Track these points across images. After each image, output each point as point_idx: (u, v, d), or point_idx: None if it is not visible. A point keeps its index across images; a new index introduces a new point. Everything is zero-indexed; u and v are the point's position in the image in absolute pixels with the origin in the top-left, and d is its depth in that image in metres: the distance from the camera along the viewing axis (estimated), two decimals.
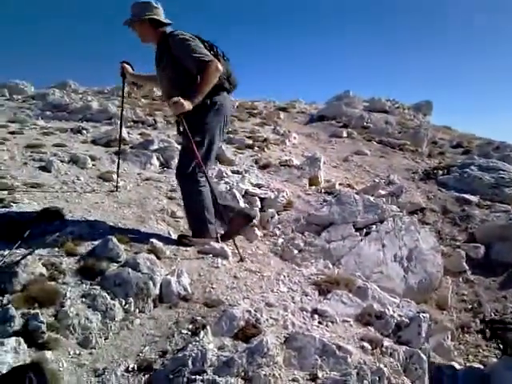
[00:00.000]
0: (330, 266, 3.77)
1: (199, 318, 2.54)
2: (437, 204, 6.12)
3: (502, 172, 6.68)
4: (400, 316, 2.88)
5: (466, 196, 6.19)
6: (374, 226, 4.65)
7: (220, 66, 3.32)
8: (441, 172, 7.15)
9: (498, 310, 4.20)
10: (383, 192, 5.86)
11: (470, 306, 4.37)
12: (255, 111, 10.97)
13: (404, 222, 4.76)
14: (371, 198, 4.95)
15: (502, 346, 3.32)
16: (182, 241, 3.58)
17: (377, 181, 6.64)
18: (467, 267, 4.86)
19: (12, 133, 6.12)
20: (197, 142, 3.37)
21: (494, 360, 3.50)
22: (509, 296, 4.36)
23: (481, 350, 3.71)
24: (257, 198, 4.90)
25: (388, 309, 2.96)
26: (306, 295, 2.94)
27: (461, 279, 4.75)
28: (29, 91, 10.61)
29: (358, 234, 4.56)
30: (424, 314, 2.83)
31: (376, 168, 7.42)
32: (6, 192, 3.84)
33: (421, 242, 4.67)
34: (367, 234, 4.58)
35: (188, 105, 3.19)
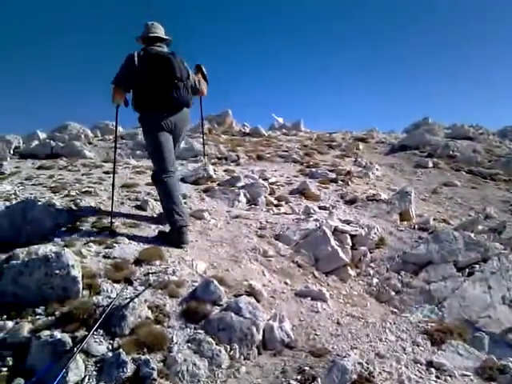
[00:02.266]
0: (437, 311, 3.52)
1: (307, 368, 2.44)
2: None
3: None
4: None
5: None
6: (478, 266, 4.31)
7: (112, 91, 4.16)
8: None
9: None
10: (481, 227, 5.48)
11: None
12: (334, 143, 10.88)
13: (510, 261, 4.38)
14: (472, 235, 4.62)
15: None
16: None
17: (472, 214, 6.24)
18: None
19: (107, 172, 6.49)
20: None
21: None
22: None
23: None
24: (347, 235, 4.75)
25: (511, 361, 2.68)
26: (418, 345, 2.74)
27: None
28: (119, 131, 11.28)
29: (459, 274, 4.25)
30: None
31: (469, 200, 6.99)
32: (107, 232, 4.01)
33: None
34: (470, 274, 4.25)
35: None
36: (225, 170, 6.91)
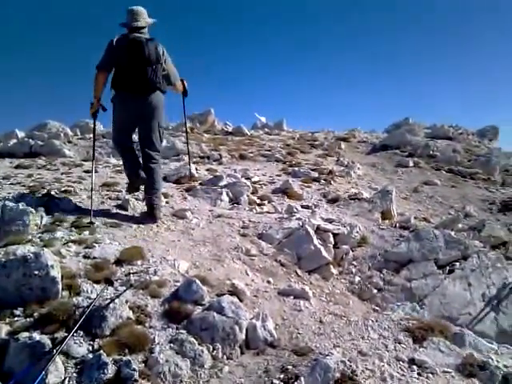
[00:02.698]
0: (418, 308, 3.55)
1: (290, 367, 2.44)
2: None
3: None
4: (506, 367, 2.62)
5: None
6: (458, 264, 4.37)
7: (95, 77, 4.48)
8: None
9: None
10: (461, 225, 5.55)
11: None
12: (316, 143, 10.92)
13: (490, 259, 4.44)
14: (452, 233, 4.68)
15: None
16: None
17: (452, 213, 6.33)
18: None
19: (87, 171, 6.39)
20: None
21: None
22: None
23: None
24: (330, 233, 4.76)
25: (491, 358, 2.71)
26: (400, 343, 2.75)
27: None
28: (98, 130, 11.13)
29: (440, 271, 4.30)
30: None
31: (449, 199, 7.08)
32: (87, 232, 3.95)
33: (510, 279, 4.33)
34: (450, 271, 4.30)
35: None
36: (207, 170, 6.87)
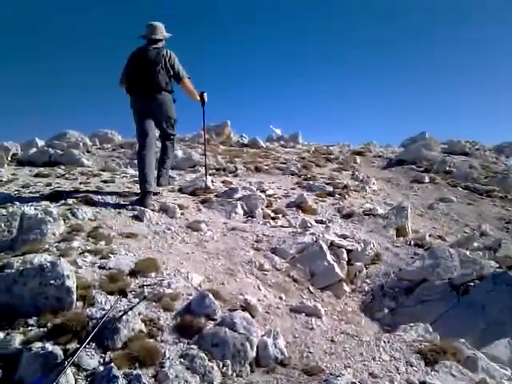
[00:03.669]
0: (431, 330, 3.50)
1: None
2: None
3: None
4: None
5: None
6: (472, 284, 4.32)
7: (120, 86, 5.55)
8: None
9: None
10: (476, 244, 5.49)
11: None
12: (331, 156, 10.90)
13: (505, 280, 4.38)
14: (467, 253, 4.63)
15: None
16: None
17: (467, 231, 6.26)
18: None
19: (104, 181, 6.47)
20: None
21: None
22: None
23: None
24: (343, 249, 4.75)
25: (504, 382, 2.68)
26: (411, 365, 2.73)
27: None
28: (117, 140, 11.29)
29: (454, 292, 4.25)
30: None
31: (464, 217, 7.00)
32: (103, 242, 4.00)
33: None
34: (465, 292, 4.25)
35: None
36: (222, 182, 6.91)
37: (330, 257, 4.45)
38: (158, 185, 5.61)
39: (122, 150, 9.79)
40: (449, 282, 4.33)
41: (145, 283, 3.31)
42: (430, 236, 5.61)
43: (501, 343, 3.94)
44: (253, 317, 3.05)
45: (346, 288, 4.32)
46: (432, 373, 2.68)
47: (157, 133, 5.88)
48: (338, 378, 2.42)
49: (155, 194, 5.46)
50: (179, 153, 8.46)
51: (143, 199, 5.11)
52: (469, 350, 3.19)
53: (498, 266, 4.70)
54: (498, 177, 9.63)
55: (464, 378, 2.70)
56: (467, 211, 7.44)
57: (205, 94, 5.94)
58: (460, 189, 8.83)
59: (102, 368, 2.38)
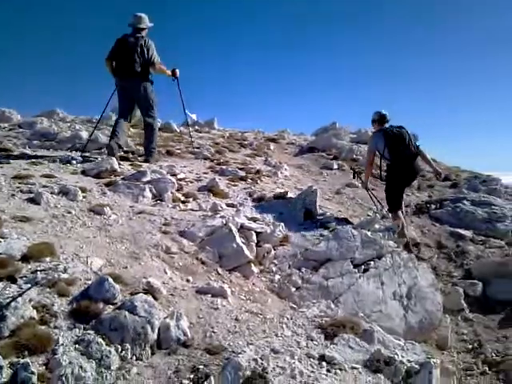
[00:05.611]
0: (333, 306, 3.64)
1: (201, 366, 2.40)
2: (431, 239, 6.09)
3: (493, 207, 6.70)
4: (409, 361, 2.75)
5: (460, 231, 6.17)
6: (373, 263, 4.56)
7: (105, 62, 6.69)
8: (433, 206, 7.14)
9: (500, 351, 4.08)
10: (377, 226, 5.79)
11: (470, 346, 4.25)
12: (245, 142, 10.96)
13: (402, 259, 4.69)
14: (369, 233, 4.87)
15: None
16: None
17: (370, 214, 6.59)
18: (465, 305, 4.78)
19: None
20: None
21: None
22: (509, 335, 4.26)
23: None
24: (253, 232, 4.78)
25: (397, 354, 2.84)
26: (312, 339, 2.80)
27: (459, 318, 4.66)
28: (15, 119, 10.43)
29: (356, 270, 4.46)
30: (434, 360, 2.72)
31: (368, 201, 7.34)
32: None
33: (419, 278, 4.58)
34: (366, 270, 4.47)
35: None
36: (131, 164, 6.62)
37: (239, 239, 4.44)
38: (147, 160, 6.85)
39: (21, 129, 9.05)
40: (351, 261, 4.53)
41: (38, 268, 3.06)
42: (335, 219, 5.82)
43: (397, 317, 4.23)
44: (156, 299, 2.96)
45: (255, 269, 4.35)
46: (331, 346, 2.77)
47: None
48: (240, 356, 2.41)
49: (120, 147, 6.71)
50: (84, 134, 8.01)
51: (108, 149, 6.45)
52: (366, 323, 3.36)
53: (396, 245, 5.01)
54: None
55: (361, 349, 2.82)
56: (353, 195, 7.77)
57: (176, 70, 7.10)
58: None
59: None
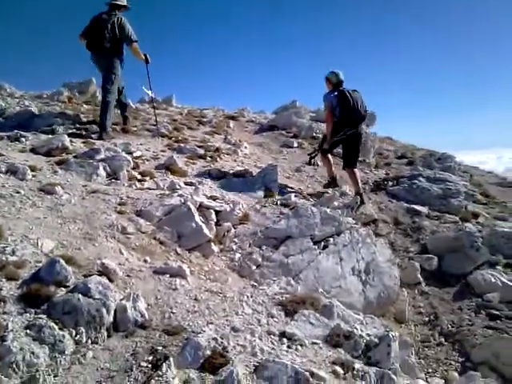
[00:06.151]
0: (293, 283, 3.64)
1: (160, 347, 2.33)
2: (388, 215, 6.19)
3: (448, 183, 6.88)
4: (368, 335, 2.80)
5: (416, 207, 6.31)
6: (332, 239, 4.59)
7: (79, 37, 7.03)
8: (390, 183, 7.27)
9: (455, 322, 4.24)
10: (336, 203, 5.85)
11: (427, 319, 4.39)
12: (205, 119, 10.73)
13: (360, 235, 4.74)
14: (328, 211, 4.90)
15: None
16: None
17: (329, 192, 6.63)
18: (421, 279, 4.92)
19: None
20: None
21: (455, 374, 3.51)
22: (464, 307, 4.42)
23: (441, 364, 3.71)
24: (212, 210, 4.70)
25: (356, 328, 2.88)
26: (272, 317, 2.79)
27: (416, 291, 4.78)
28: None
29: (315, 247, 4.48)
30: (393, 333, 2.77)
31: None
32: None
33: (377, 254, 4.66)
34: (325, 247, 4.51)
35: None
36: (83, 142, 6.34)
37: (198, 218, 4.36)
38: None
39: None
40: (311, 238, 4.55)
41: None
42: (295, 196, 5.82)
43: (356, 292, 4.29)
44: (111, 281, 2.86)
45: (215, 248, 4.29)
46: (291, 322, 2.77)
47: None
48: (199, 335, 2.37)
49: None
50: (35, 110, 7.61)
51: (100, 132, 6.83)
52: (326, 299, 3.39)
53: (354, 222, 5.07)
54: None
55: (321, 324, 2.84)
56: (313, 173, 7.79)
57: (148, 55, 7.26)
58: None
59: None
